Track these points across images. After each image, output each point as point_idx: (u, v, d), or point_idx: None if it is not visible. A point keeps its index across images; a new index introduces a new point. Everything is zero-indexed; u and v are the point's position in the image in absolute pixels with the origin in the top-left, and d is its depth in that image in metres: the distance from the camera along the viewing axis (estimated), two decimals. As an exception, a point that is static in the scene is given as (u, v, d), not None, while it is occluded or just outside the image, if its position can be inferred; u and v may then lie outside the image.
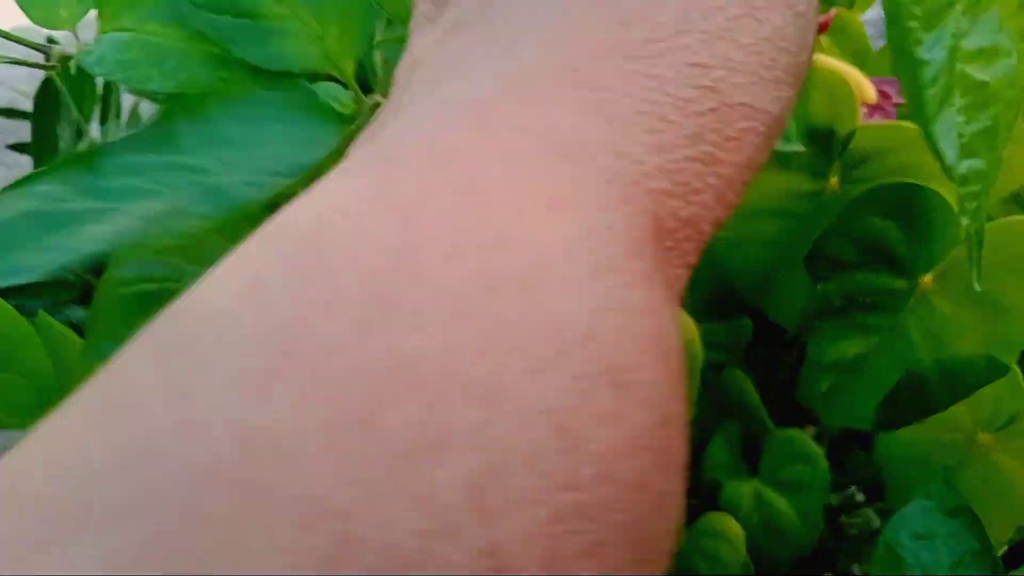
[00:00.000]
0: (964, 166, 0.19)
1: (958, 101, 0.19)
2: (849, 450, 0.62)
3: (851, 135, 0.42)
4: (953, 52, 0.19)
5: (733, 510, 0.54)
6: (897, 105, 0.44)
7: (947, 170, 0.20)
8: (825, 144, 0.43)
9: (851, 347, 0.46)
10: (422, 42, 0.19)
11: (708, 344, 0.58)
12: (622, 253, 0.14)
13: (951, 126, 0.19)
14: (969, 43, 0.19)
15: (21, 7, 0.30)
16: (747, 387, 0.55)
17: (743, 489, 0.54)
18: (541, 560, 0.11)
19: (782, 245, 0.47)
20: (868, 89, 0.43)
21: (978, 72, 0.19)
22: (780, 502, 0.53)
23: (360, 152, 0.15)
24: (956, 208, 0.40)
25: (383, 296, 0.12)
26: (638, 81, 0.16)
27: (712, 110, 0.16)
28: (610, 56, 0.16)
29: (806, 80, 0.43)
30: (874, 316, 0.45)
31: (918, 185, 0.40)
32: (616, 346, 0.13)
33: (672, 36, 0.16)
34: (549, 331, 0.12)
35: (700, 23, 0.16)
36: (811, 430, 0.60)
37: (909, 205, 0.41)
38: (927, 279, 0.42)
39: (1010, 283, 0.41)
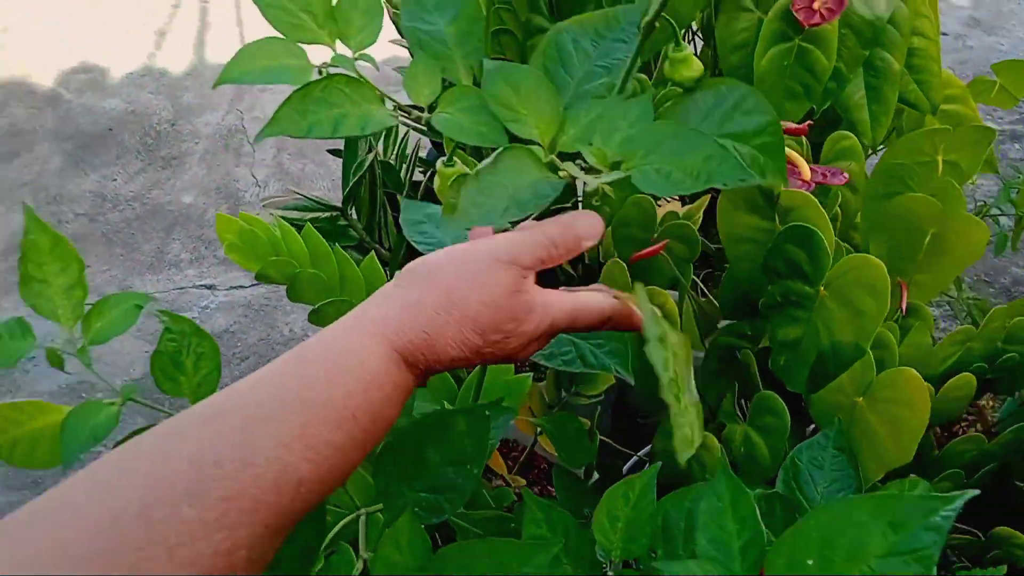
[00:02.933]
0: None
1: None
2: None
3: (778, 194, 0.68)
4: None
5: (728, 443, 0.80)
6: (821, 184, 0.69)
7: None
8: (770, 198, 0.70)
9: (791, 332, 0.71)
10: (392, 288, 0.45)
11: (736, 335, 0.85)
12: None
13: None
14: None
15: (405, 88, 0.60)
16: (751, 363, 0.80)
17: (737, 429, 0.80)
18: None
19: (755, 262, 0.74)
20: (806, 170, 0.69)
21: None
22: (759, 440, 0.78)
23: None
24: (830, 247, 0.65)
25: None
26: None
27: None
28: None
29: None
30: (797, 311, 0.69)
31: (811, 228, 0.65)
32: None
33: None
34: None
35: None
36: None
37: (808, 240, 0.66)
38: (823, 289, 0.67)
39: (861, 295, 0.64)
